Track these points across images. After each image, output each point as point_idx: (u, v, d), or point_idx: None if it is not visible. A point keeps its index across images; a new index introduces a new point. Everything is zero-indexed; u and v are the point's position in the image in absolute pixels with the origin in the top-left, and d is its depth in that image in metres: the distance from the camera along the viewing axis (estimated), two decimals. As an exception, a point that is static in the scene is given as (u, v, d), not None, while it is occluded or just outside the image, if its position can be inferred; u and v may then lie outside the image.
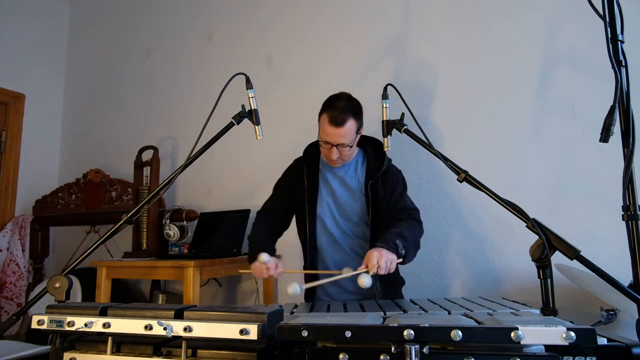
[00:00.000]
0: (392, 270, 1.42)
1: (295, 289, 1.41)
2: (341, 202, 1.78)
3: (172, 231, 2.60)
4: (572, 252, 1.05)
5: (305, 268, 1.86)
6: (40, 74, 3.48)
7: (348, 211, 1.77)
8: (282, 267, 1.60)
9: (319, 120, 1.71)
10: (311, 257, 1.81)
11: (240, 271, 1.72)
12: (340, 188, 1.79)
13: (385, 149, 1.57)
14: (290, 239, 1.93)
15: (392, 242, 1.47)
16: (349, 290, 1.78)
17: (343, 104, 1.65)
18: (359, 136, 1.73)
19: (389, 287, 1.73)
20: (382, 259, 1.39)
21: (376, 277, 1.55)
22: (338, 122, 1.62)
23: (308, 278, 1.79)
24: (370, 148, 1.82)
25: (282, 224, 1.88)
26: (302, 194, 1.81)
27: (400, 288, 1.85)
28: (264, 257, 1.52)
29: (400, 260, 1.50)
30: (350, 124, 1.64)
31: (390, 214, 1.70)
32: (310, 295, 1.83)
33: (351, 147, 1.67)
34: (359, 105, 1.71)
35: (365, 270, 1.39)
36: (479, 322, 0.87)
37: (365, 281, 1.33)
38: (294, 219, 1.90)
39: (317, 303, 1.54)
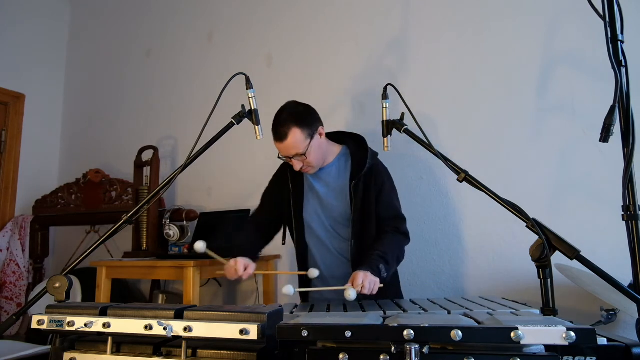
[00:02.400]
0: (374, 292, 1.45)
1: (289, 290, 1.47)
2: (327, 204, 1.75)
3: (172, 231, 2.60)
4: (572, 252, 1.05)
5: (298, 270, 1.85)
6: (40, 74, 3.48)
7: (334, 213, 1.74)
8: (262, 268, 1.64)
9: None
10: (303, 260, 1.80)
11: (217, 273, 1.76)
12: (325, 190, 1.75)
13: (385, 149, 1.57)
14: (289, 239, 1.93)
15: (376, 267, 1.51)
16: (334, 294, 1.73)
17: (284, 116, 1.63)
18: (318, 138, 1.67)
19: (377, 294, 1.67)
20: (367, 280, 1.43)
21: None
22: (280, 137, 1.61)
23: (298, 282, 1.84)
24: (354, 145, 1.78)
25: (267, 230, 1.86)
26: (288, 199, 1.79)
27: (389, 291, 1.74)
28: (198, 245, 1.55)
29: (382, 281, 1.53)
30: (295, 133, 1.60)
31: (377, 221, 1.68)
32: (306, 297, 1.84)
33: (306, 154, 1.62)
34: (304, 111, 1.67)
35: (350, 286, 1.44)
36: (479, 322, 0.87)
37: (351, 294, 1.39)
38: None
39: (317, 303, 1.54)
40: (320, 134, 1.69)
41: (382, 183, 1.71)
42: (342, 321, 0.81)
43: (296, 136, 1.60)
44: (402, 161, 2.26)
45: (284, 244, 1.88)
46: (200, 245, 1.56)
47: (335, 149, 1.79)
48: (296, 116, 1.63)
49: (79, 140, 3.51)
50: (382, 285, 1.51)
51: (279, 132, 1.61)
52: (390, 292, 1.73)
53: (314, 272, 1.62)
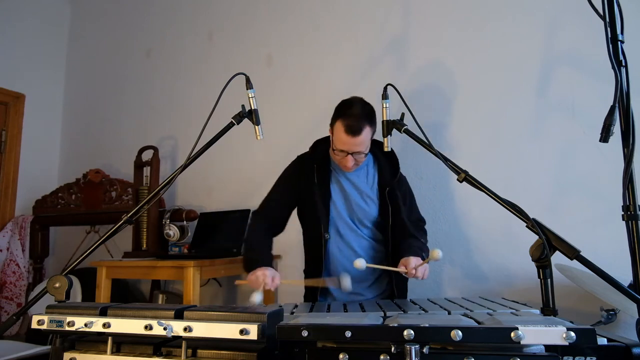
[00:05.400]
0: (425, 277, 1.57)
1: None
2: (352, 204, 1.75)
3: (172, 231, 2.60)
4: (572, 252, 1.05)
5: (307, 270, 1.84)
6: (40, 74, 3.48)
7: (359, 214, 1.75)
8: (280, 272, 1.60)
9: (332, 126, 1.67)
10: (317, 257, 1.75)
11: (237, 282, 1.71)
12: (354, 191, 1.76)
13: (385, 149, 1.57)
14: (290, 238, 1.92)
15: (421, 256, 1.61)
16: (357, 292, 1.75)
17: (358, 111, 1.60)
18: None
19: (401, 287, 1.80)
20: (421, 267, 1.54)
21: (399, 278, 1.73)
22: (355, 131, 1.57)
23: (308, 289, 1.82)
24: (379, 151, 1.79)
25: (280, 225, 1.81)
26: (312, 196, 1.74)
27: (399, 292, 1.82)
28: (256, 298, 1.43)
29: None
30: (367, 131, 1.60)
31: (403, 223, 1.76)
32: (313, 297, 1.81)
33: (365, 154, 1.65)
34: (373, 111, 1.67)
35: (404, 270, 1.55)
36: (479, 322, 0.87)
37: (361, 264, 1.50)
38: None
39: (317, 303, 1.54)
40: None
41: (407, 190, 1.84)
42: (342, 321, 0.81)
43: (367, 134, 1.61)
44: (401, 161, 2.25)
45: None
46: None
47: None
48: (369, 114, 1.64)
49: (79, 140, 3.51)
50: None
51: (354, 127, 1.57)
52: (399, 293, 1.77)
53: (346, 283, 1.52)
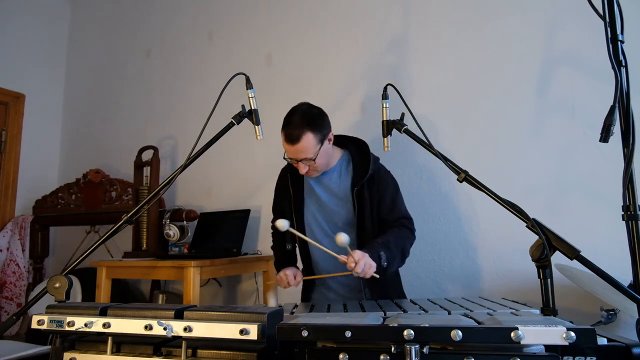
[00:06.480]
0: (366, 276, 1.44)
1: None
2: (327, 209, 1.75)
3: (172, 231, 2.60)
4: (572, 252, 1.05)
5: (303, 274, 1.86)
6: (40, 74, 3.48)
7: (335, 218, 1.74)
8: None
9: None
10: (306, 264, 1.81)
11: (268, 282, 1.82)
12: (325, 195, 1.75)
13: (385, 149, 1.57)
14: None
15: (376, 252, 1.49)
16: (337, 292, 1.79)
17: (297, 119, 1.59)
18: (327, 143, 1.66)
19: (377, 290, 1.71)
20: (363, 260, 1.42)
21: (365, 281, 1.65)
22: (293, 139, 1.57)
23: (305, 289, 1.87)
24: (355, 150, 1.77)
25: (291, 238, 1.87)
26: (288, 204, 1.79)
27: (392, 290, 1.79)
28: (271, 301, 1.65)
29: (381, 270, 1.50)
30: (307, 138, 1.57)
31: (380, 222, 1.69)
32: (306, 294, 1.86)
33: (315, 159, 1.61)
34: (318, 115, 1.65)
35: (343, 260, 1.44)
36: (479, 322, 0.87)
37: (343, 240, 1.31)
38: None
39: (317, 303, 1.54)
40: (329, 140, 1.67)
41: (385, 187, 1.71)
42: (342, 321, 0.81)
43: (308, 140, 1.58)
44: (401, 161, 2.26)
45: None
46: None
47: (337, 153, 1.78)
48: (310, 120, 1.60)
49: (79, 140, 3.51)
50: (377, 276, 1.46)
51: (291, 135, 1.57)
52: (393, 293, 1.75)
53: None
